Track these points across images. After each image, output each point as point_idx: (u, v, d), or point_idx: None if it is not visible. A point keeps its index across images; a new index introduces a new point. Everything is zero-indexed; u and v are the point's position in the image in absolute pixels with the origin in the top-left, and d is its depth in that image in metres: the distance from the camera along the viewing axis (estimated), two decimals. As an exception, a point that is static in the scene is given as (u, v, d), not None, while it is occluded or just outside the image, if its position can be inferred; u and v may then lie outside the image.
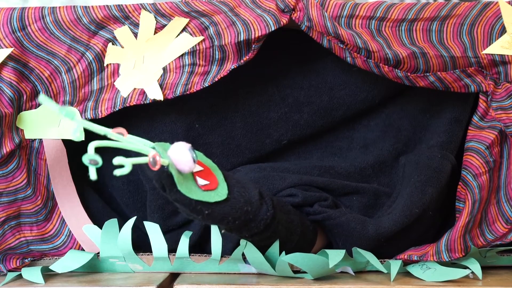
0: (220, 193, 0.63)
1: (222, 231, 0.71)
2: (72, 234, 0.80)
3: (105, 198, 0.85)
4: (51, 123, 0.78)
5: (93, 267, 0.77)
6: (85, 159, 0.53)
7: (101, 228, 0.77)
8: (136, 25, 0.77)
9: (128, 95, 0.76)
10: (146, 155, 0.57)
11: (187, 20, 0.76)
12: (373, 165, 0.83)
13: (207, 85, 0.76)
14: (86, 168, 0.85)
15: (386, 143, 0.84)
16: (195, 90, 0.76)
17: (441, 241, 0.74)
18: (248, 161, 0.83)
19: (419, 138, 0.83)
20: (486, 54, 0.75)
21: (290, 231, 0.73)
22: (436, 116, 0.82)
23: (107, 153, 0.84)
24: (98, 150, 0.55)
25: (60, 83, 0.78)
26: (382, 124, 0.84)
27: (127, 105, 0.76)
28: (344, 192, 0.81)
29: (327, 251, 0.72)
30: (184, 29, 0.76)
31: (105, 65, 0.77)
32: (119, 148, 0.57)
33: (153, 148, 0.59)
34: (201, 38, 0.76)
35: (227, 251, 0.75)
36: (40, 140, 0.78)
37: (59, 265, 0.75)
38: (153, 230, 0.76)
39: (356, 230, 0.75)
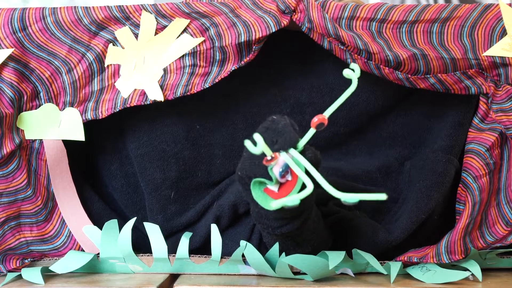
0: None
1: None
2: (72, 234, 0.80)
3: (105, 199, 0.85)
4: (51, 124, 0.78)
5: (93, 268, 0.77)
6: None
7: (101, 228, 0.77)
8: (137, 26, 0.77)
9: (129, 95, 0.76)
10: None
11: (187, 21, 0.76)
12: (380, 168, 0.84)
13: (207, 86, 0.76)
14: (86, 168, 0.86)
15: (391, 149, 0.84)
16: (195, 91, 0.76)
17: (441, 243, 0.75)
18: None
19: (423, 143, 0.83)
20: (486, 56, 0.75)
21: (316, 232, 0.72)
22: (439, 120, 0.82)
23: (106, 153, 0.85)
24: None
25: (60, 83, 0.78)
26: (387, 130, 0.84)
27: (128, 105, 0.76)
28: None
29: (327, 252, 0.72)
30: (184, 30, 0.76)
31: (105, 65, 0.77)
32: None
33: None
34: (202, 39, 0.76)
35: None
36: (41, 141, 0.78)
37: (59, 266, 0.75)
38: (153, 231, 0.76)
39: (366, 234, 0.75)
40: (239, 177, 0.65)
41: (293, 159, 0.61)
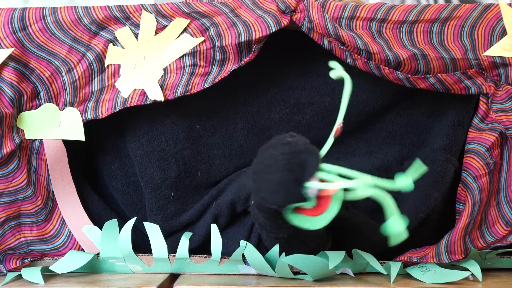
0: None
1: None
2: (72, 234, 0.80)
3: (105, 199, 0.85)
4: (51, 124, 0.78)
5: (93, 268, 0.77)
6: None
7: (101, 228, 0.77)
8: (137, 25, 0.77)
9: (129, 95, 0.76)
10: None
11: (187, 21, 0.76)
12: (379, 168, 0.83)
13: (207, 86, 0.76)
14: (86, 168, 0.86)
15: (391, 148, 0.84)
16: (195, 91, 0.76)
17: (441, 243, 0.75)
18: (250, 162, 0.83)
19: (422, 142, 0.83)
20: (486, 56, 0.75)
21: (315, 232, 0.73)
22: (438, 119, 0.82)
23: (106, 153, 0.85)
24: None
25: (60, 83, 0.78)
26: (386, 129, 0.84)
27: (128, 105, 0.76)
28: None
29: (327, 252, 0.72)
30: (184, 30, 0.76)
31: (105, 65, 0.77)
32: None
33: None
34: (202, 39, 0.76)
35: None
36: (41, 141, 0.78)
37: (59, 266, 0.75)
38: (153, 231, 0.76)
39: (366, 234, 0.75)
40: (264, 209, 0.64)
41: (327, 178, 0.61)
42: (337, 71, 0.62)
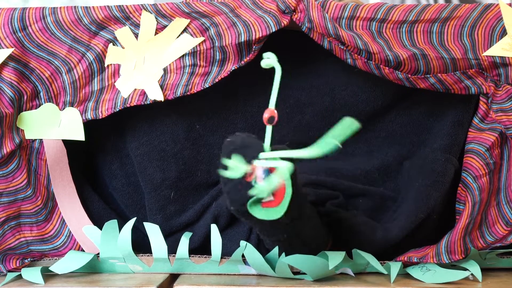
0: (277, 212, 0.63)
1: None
2: (72, 234, 0.80)
3: (105, 199, 0.85)
4: (51, 124, 0.78)
5: (93, 268, 0.77)
6: None
7: (101, 229, 0.77)
8: (137, 25, 0.77)
9: (129, 95, 0.76)
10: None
11: (187, 21, 0.76)
12: (379, 168, 0.83)
13: (207, 86, 0.76)
14: (86, 168, 0.86)
15: (390, 148, 0.84)
16: (195, 91, 0.76)
17: (441, 243, 0.75)
18: None
19: (422, 142, 0.83)
20: (486, 56, 0.75)
21: (315, 233, 0.73)
22: (439, 119, 0.82)
23: (107, 153, 0.85)
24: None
25: (60, 83, 0.78)
26: (386, 129, 0.84)
27: (128, 105, 0.76)
28: (351, 193, 0.81)
29: (327, 252, 0.72)
30: (184, 30, 0.76)
31: (105, 65, 0.77)
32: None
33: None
34: (202, 39, 0.76)
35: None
36: (41, 141, 0.78)
37: (59, 266, 0.75)
38: (153, 231, 0.76)
39: (365, 234, 0.75)
40: (235, 212, 0.64)
41: (268, 160, 0.61)
42: (268, 60, 0.62)
